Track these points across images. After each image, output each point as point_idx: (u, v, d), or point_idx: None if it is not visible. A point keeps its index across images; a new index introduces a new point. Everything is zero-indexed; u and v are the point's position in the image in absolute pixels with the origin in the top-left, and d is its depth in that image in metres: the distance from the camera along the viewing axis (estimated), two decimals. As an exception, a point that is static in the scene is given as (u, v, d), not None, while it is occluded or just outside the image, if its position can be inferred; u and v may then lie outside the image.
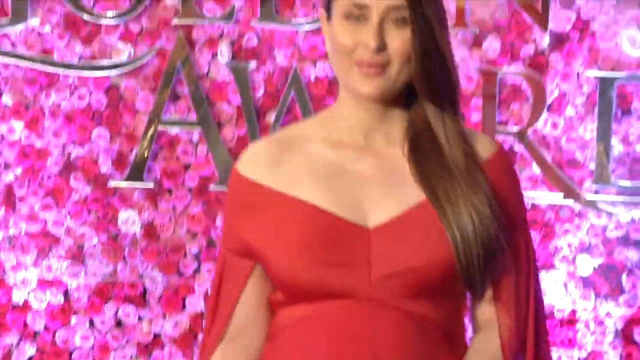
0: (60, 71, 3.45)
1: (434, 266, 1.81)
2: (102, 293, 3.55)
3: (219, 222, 3.44)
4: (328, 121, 1.84)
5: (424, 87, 1.81)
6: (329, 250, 1.86)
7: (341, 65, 1.77)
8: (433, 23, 1.78)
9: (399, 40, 1.74)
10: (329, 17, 1.79)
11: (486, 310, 1.87)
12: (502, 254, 1.83)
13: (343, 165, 1.87)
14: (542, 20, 3.32)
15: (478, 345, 1.91)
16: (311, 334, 1.91)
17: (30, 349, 3.56)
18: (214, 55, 3.40)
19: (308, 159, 1.88)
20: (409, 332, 1.86)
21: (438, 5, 1.81)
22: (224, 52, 3.38)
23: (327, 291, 1.88)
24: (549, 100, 3.37)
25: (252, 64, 3.36)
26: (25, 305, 3.56)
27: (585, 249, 3.42)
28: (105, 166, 3.49)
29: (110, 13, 3.43)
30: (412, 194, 1.80)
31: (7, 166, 3.53)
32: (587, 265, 3.41)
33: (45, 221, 3.52)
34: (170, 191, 3.49)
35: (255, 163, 1.90)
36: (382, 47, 1.75)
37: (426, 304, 1.84)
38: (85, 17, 3.41)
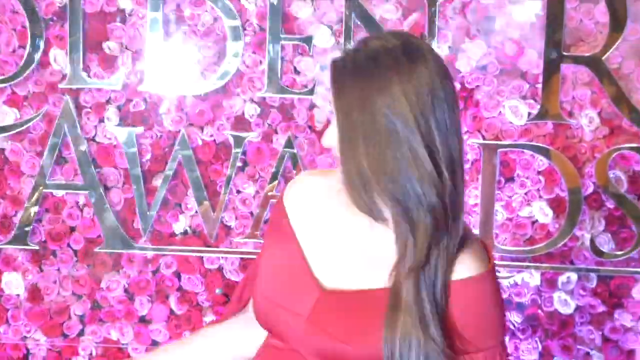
0: None
1: (357, 355, 1.91)
2: None
3: (104, 284, 3.39)
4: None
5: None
6: (284, 296, 2.03)
7: None
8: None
9: None
10: None
11: None
12: None
13: (342, 225, 1.98)
14: None
15: None
16: None
17: None
18: (102, 120, 3.36)
19: (324, 208, 2.04)
20: None
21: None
22: (112, 116, 3.35)
23: (271, 330, 2.08)
24: None
25: (140, 129, 3.33)
26: None
27: None
28: None
29: None
30: (378, 279, 1.89)
31: None
32: None
33: None
34: (54, 254, 3.43)
35: (295, 198, 2.11)
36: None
37: None
38: None
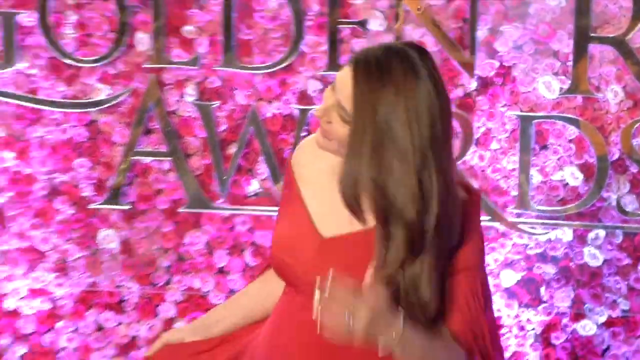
0: (46, 108, 3.54)
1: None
2: (85, 301, 3.65)
3: (187, 239, 3.52)
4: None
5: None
6: (291, 246, 2.20)
7: None
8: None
9: None
10: None
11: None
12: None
13: (335, 186, 2.07)
14: (470, 67, 3.41)
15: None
16: (275, 310, 2.30)
17: (21, 350, 3.67)
18: (182, 96, 3.50)
19: (322, 170, 2.18)
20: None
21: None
22: (191, 92, 3.48)
23: (283, 278, 2.24)
24: (476, 136, 3.45)
25: (216, 103, 3.46)
26: (17, 312, 3.67)
27: (509, 264, 3.51)
28: (86, 191, 3.57)
29: (89, 58, 3.50)
30: (368, 221, 2.03)
31: None
32: (510, 278, 3.51)
33: (34, 238, 3.61)
34: (144, 212, 3.58)
35: (300, 160, 2.26)
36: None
37: None
38: (67, 61, 3.50)
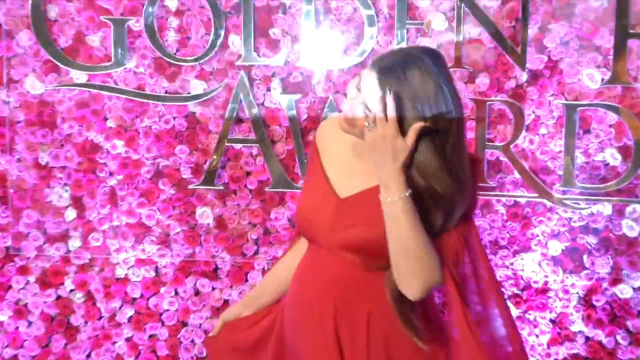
0: (151, 102, 3.63)
1: (368, 237, 2.21)
2: (184, 269, 3.77)
3: (272, 215, 3.62)
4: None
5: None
6: (313, 208, 2.33)
7: None
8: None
9: None
10: None
11: None
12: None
13: (351, 157, 2.27)
14: (521, 61, 3.44)
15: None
16: (300, 265, 2.45)
17: (129, 312, 3.80)
18: (269, 89, 3.57)
19: (340, 144, 2.31)
20: (344, 270, 2.29)
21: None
22: (276, 86, 3.57)
23: (307, 237, 2.39)
24: (527, 122, 3.49)
25: (298, 96, 3.54)
26: (126, 279, 3.80)
27: (555, 235, 3.57)
28: (185, 174, 3.67)
29: (188, 58, 3.57)
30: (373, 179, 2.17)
31: (111, 174, 3.70)
32: (556, 248, 3.57)
33: (140, 215, 3.73)
34: (235, 192, 3.67)
35: (322, 135, 2.40)
36: None
37: (357, 257, 2.26)
38: (169, 60, 3.59)
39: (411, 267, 2.14)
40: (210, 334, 2.71)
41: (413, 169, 2.12)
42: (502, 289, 2.33)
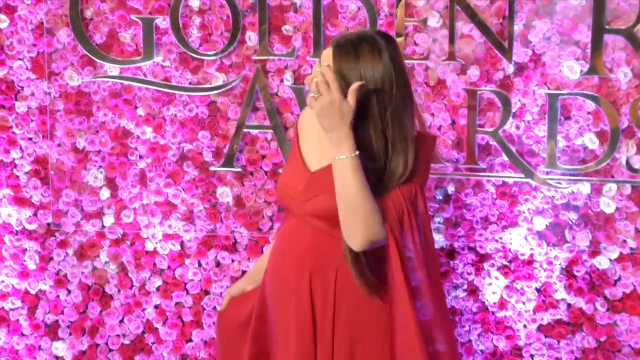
0: (176, 92, 3.73)
1: (334, 207, 2.33)
2: (206, 243, 3.86)
3: None
4: None
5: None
6: (289, 182, 2.48)
7: None
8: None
9: None
10: None
11: None
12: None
13: (323, 136, 2.35)
14: (508, 54, 3.54)
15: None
16: (278, 235, 2.60)
17: (158, 282, 3.93)
18: (282, 81, 3.65)
19: (315, 125, 2.36)
20: (316, 237, 2.44)
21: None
22: (288, 78, 3.65)
23: (284, 207, 2.54)
24: (513, 110, 3.59)
25: (308, 86, 3.49)
26: (155, 252, 3.91)
27: (540, 212, 3.65)
28: (207, 157, 3.77)
29: (210, 52, 3.69)
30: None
31: (141, 157, 3.81)
32: (541, 223, 3.66)
33: (167, 194, 3.82)
34: (252, 173, 3.77)
35: (302, 117, 2.58)
36: None
37: (324, 224, 2.41)
38: (193, 55, 3.71)
39: (355, 221, 2.24)
40: (219, 309, 2.82)
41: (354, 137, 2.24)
42: (438, 262, 2.45)
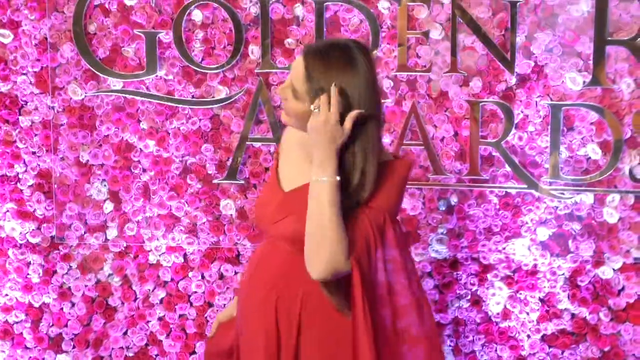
0: (179, 105, 3.75)
1: (301, 230, 2.25)
2: (210, 256, 3.87)
3: None
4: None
5: None
6: (264, 203, 2.42)
7: None
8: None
9: None
10: None
11: None
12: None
13: (299, 156, 2.34)
14: (510, 66, 3.55)
15: None
16: (251, 257, 2.53)
17: (161, 294, 3.93)
18: None
19: (294, 145, 2.39)
20: (286, 263, 2.37)
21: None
22: None
23: (259, 229, 2.52)
24: (516, 121, 3.59)
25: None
26: (158, 264, 3.91)
27: (543, 222, 3.66)
28: (211, 169, 3.78)
29: (213, 66, 3.69)
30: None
31: (144, 170, 3.82)
32: (544, 233, 3.67)
33: (171, 207, 3.84)
34: (255, 186, 3.77)
35: (285, 133, 2.52)
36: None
37: (292, 246, 2.35)
38: (196, 68, 3.72)
39: (320, 247, 2.17)
40: (208, 335, 2.79)
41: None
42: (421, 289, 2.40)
